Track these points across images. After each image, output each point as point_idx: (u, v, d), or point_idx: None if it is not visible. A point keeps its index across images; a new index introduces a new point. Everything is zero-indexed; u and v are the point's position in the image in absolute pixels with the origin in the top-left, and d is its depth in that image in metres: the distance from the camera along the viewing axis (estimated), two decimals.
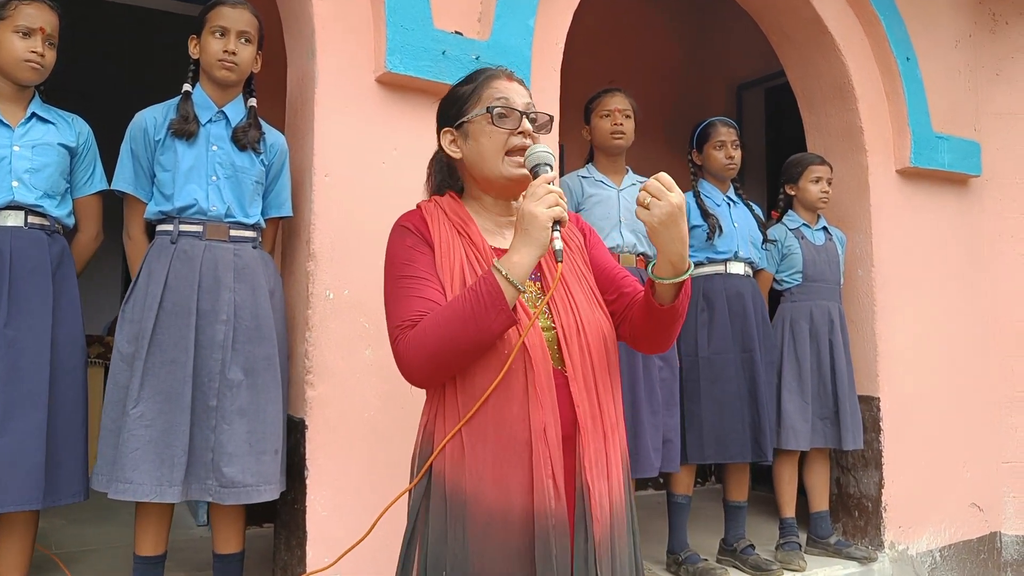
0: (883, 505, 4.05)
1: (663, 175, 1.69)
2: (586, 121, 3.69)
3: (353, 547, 2.05)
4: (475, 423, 1.69)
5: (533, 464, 1.66)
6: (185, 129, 2.71)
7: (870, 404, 4.09)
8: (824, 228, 4.08)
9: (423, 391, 2.88)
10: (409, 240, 1.79)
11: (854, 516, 4.17)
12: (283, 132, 3.02)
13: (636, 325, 1.86)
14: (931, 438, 4.27)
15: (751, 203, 3.96)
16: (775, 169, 5.16)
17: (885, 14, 4.18)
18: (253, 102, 2.87)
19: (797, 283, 3.97)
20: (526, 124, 1.83)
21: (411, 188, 2.94)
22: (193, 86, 2.81)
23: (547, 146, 1.78)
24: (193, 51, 2.81)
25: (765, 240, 3.91)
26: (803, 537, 3.97)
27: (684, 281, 1.74)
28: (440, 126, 1.94)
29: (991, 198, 4.68)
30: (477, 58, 2.99)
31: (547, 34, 3.25)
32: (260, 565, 3.26)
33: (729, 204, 3.81)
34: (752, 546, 3.74)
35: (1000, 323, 4.63)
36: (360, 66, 2.91)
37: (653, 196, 1.66)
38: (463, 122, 1.86)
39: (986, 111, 4.70)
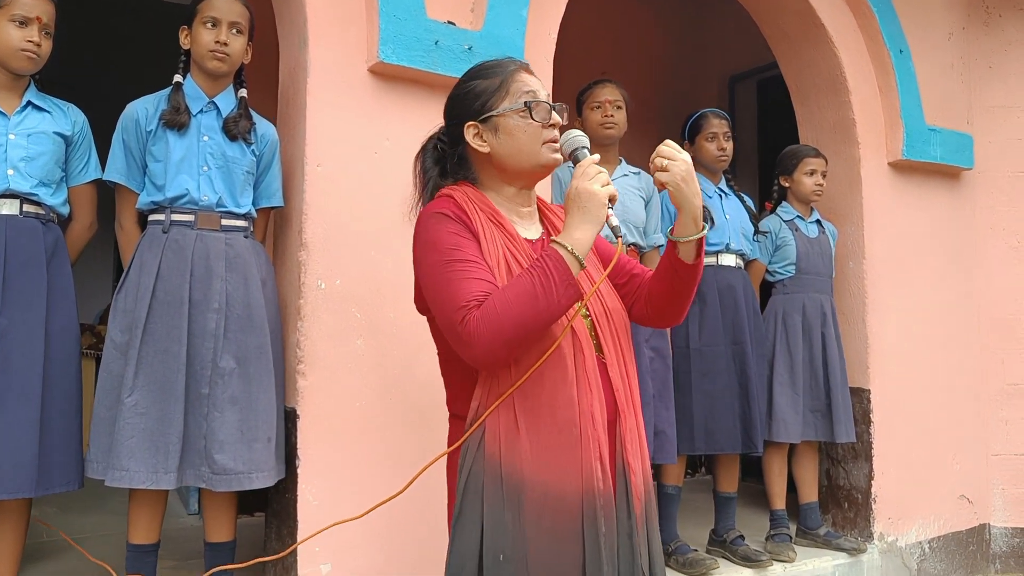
0: (873, 497, 4.07)
1: (669, 141, 1.82)
2: (578, 112, 3.70)
3: (387, 501, 2.06)
4: (530, 406, 1.74)
5: (583, 446, 1.72)
6: (176, 120, 2.71)
7: (860, 396, 4.10)
8: (817, 221, 4.09)
9: (415, 382, 2.90)
10: (451, 226, 1.79)
11: (844, 508, 4.19)
12: (275, 122, 3.02)
13: (656, 299, 1.95)
14: (921, 430, 4.29)
15: (743, 195, 3.97)
16: (767, 161, 5.17)
17: (879, 7, 4.19)
18: (244, 93, 2.87)
19: (790, 275, 3.98)
20: (556, 117, 1.88)
21: (404, 179, 2.93)
22: (184, 77, 2.81)
23: (580, 131, 1.86)
24: (184, 42, 2.80)
25: (756, 232, 3.92)
26: (793, 528, 3.99)
27: (703, 237, 1.85)
28: (458, 119, 1.93)
29: (983, 191, 4.70)
30: (470, 48, 2.99)
31: (540, 25, 3.25)
32: (251, 554, 3.26)
33: (721, 196, 3.82)
34: (742, 537, 3.76)
35: (991, 316, 4.65)
36: (352, 56, 2.91)
37: (668, 159, 1.78)
38: (490, 116, 1.87)
39: (979, 104, 4.71)
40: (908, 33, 4.29)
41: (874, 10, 4.17)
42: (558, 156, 1.87)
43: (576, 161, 1.81)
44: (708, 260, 3.73)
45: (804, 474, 4.03)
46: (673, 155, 1.79)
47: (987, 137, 4.68)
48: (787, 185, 4.08)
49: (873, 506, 4.07)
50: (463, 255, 1.75)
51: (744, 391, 3.66)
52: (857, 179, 4.19)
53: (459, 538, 1.77)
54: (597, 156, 1.80)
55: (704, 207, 3.62)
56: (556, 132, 1.87)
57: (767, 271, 4.03)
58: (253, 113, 2.86)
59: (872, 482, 4.07)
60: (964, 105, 4.65)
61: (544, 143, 1.86)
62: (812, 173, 4.00)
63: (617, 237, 1.74)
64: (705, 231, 1.85)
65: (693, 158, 3.79)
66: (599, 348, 1.82)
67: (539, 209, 2.00)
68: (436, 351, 2.99)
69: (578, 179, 1.74)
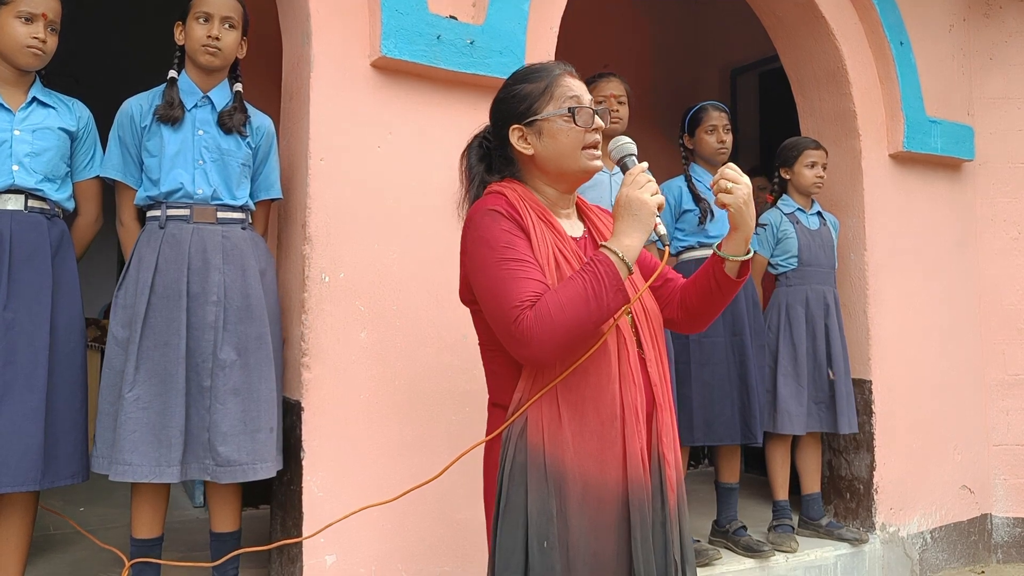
0: (874, 487, 4.09)
1: (731, 164, 1.89)
2: None
3: (420, 485, 2.10)
4: (574, 399, 1.80)
5: (626, 439, 1.79)
6: (170, 115, 2.73)
7: (862, 387, 4.12)
8: (818, 213, 4.10)
9: (418, 374, 2.92)
10: (505, 224, 1.84)
11: (846, 498, 4.21)
12: (278, 116, 3.04)
13: (691, 306, 2.02)
14: (922, 421, 4.31)
15: None
16: (768, 153, 5.17)
17: None
18: (239, 87, 2.88)
19: (792, 267, 3.99)
20: (598, 122, 1.92)
21: (406, 172, 2.97)
22: (179, 72, 2.83)
23: (629, 138, 1.91)
24: (178, 37, 2.83)
25: (756, 225, 3.92)
26: (795, 519, 4.00)
27: (748, 260, 1.93)
28: (503, 123, 1.97)
29: (983, 182, 4.70)
30: (472, 42, 3.00)
31: (541, 18, 3.26)
32: (257, 545, 3.29)
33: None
34: (744, 527, 3.78)
35: (990, 306, 4.66)
36: (355, 50, 2.92)
37: (732, 182, 1.85)
38: (534, 120, 1.92)
39: (980, 95, 4.72)
40: (908, 24, 4.29)
41: (874, 1, 4.17)
42: (598, 162, 1.92)
43: (625, 168, 1.87)
44: (708, 252, 3.74)
45: (806, 465, 4.04)
46: (737, 179, 1.85)
47: (988, 128, 4.68)
48: (787, 177, 4.08)
49: (875, 496, 4.08)
50: (516, 254, 1.80)
51: (743, 382, 3.67)
52: (858, 171, 4.20)
53: (506, 527, 1.81)
54: (646, 164, 1.85)
55: (704, 200, 3.69)
56: (598, 136, 1.92)
57: (769, 264, 4.04)
58: (249, 106, 2.87)
59: (874, 472, 4.09)
60: (965, 96, 4.65)
61: (585, 147, 1.91)
62: (812, 165, 4.00)
63: (665, 245, 1.81)
64: (752, 254, 1.93)
65: (692, 151, 3.87)
66: (639, 345, 1.88)
67: (578, 208, 2.06)
68: (444, 342, 3.03)
69: (628, 187, 1.79)
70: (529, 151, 1.93)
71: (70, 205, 2.83)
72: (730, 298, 1.99)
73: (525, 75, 1.98)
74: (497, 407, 1.93)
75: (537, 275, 1.79)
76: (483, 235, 1.84)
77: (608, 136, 3.60)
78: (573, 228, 1.98)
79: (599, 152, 1.93)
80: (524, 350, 1.75)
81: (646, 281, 2.01)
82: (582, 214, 2.05)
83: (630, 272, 1.76)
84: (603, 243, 1.78)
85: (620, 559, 1.77)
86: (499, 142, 2.00)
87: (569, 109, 1.89)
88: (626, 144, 1.89)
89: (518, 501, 1.79)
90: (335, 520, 2.45)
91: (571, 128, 1.89)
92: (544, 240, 1.85)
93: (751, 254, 1.92)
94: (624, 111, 3.63)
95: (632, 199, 1.78)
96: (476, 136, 2.09)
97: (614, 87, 3.63)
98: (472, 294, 1.90)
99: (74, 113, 2.84)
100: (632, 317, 1.89)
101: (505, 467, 1.83)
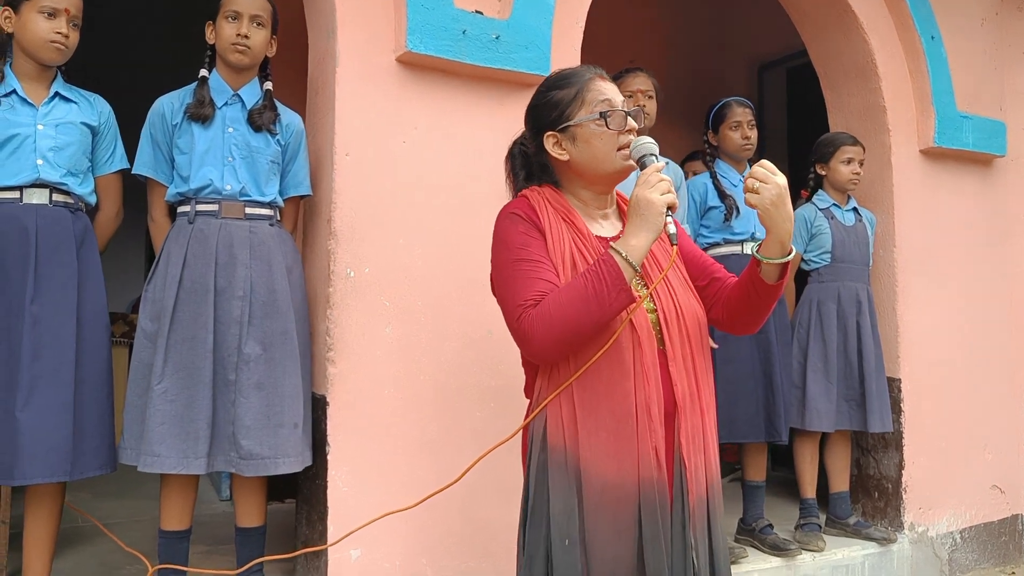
0: (903, 486, 4.04)
1: (765, 162, 1.82)
2: None
3: (442, 490, 2.13)
4: (587, 397, 1.81)
5: (639, 436, 1.78)
6: (200, 113, 2.76)
7: (891, 385, 4.06)
8: (854, 209, 4.04)
9: (443, 369, 2.92)
10: (522, 226, 1.89)
11: (874, 497, 4.17)
12: (304, 111, 3.04)
13: (733, 306, 1.99)
14: (952, 419, 4.25)
15: None
16: (796, 149, 5.14)
17: None
18: (269, 85, 2.90)
19: (826, 263, 3.94)
20: (631, 123, 1.92)
21: (431, 167, 2.97)
22: (210, 71, 2.86)
23: (650, 138, 1.88)
24: (209, 37, 2.85)
25: None
26: (823, 518, 3.97)
27: (787, 263, 1.86)
28: (538, 129, 2.00)
29: (1015, 179, 4.63)
30: (497, 37, 2.99)
31: (567, 13, 3.25)
32: (282, 539, 3.31)
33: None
34: (771, 525, 3.75)
35: (1022, 304, 4.59)
36: (380, 46, 2.93)
37: (760, 181, 1.79)
38: (568, 126, 1.93)
39: (1011, 90, 4.64)
40: (940, 18, 4.23)
41: None
42: (628, 163, 1.92)
43: (643, 167, 1.85)
44: (733, 249, 3.72)
45: (835, 463, 4.01)
46: (767, 177, 1.79)
47: (1020, 124, 4.60)
48: (823, 173, 4.03)
49: (903, 496, 4.04)
50: (529, 255, 1.85)
51: (768, 379, 3.64)
52: (888, 166, 4.15)
53: (531, 525, 1.84)
54: (663, 163, 1.84)
55: (729, 197, 3.66)
56: (631, 137, 1.92)
57: (803, 260, 4.00)
58: (278, 104, 2.90)
59: (903, 471, 4.04)
60: (997, 91, 4.58)
61: (619, 149, 1.91)
62: (849, 161, 3.95)
63: (672, 245, 1.78)
64: (791, 256, 1.86)
65: (717, 147, 3.84)
66: (662, 342, 1.86)
67: (619, 206, 2.06)
68: (469, 338, 3.03)
69: (640, 187, 1.79)
70: (564, 157, 1.95)
71: (93, 199, 2.86)
72: (771, 302, 1.93)
73: (556, 81, 2.00)
74: (528, 398, 1.99)
75: (548, 275, 1.82)
76: (502, 237, 1.91)
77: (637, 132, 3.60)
78: (607, 228, 1.99)
79: (628, 152, 1.91)
80: (526, 347, 1.82)
81: (689, 279, 2.03)
82: (623, 212, 2.05)
83: (636, 272, 1.75)
84: (612, 244, 1.78)
85: (638, 559, 1.77)
86: (536, 148, 2.03)
87: (601, 114, 1.90)
88: (646, 144, 1.87)
89: (541, 499, 1.82)
90: (356, 528, 2.48)
91: (604, 132, 1.90)
92: (561, 240, 1.88)
93: (788, 256, 1.85)
94: (652, 106, 3.60)
95: (640, 199, 1.77)
96: (515, 142, 2.12)
97: (641, 82, 3.61)
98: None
99: (95, 108, 2.86)
100: (657, 315, 1.87)
101: (531, 465, 1.87)
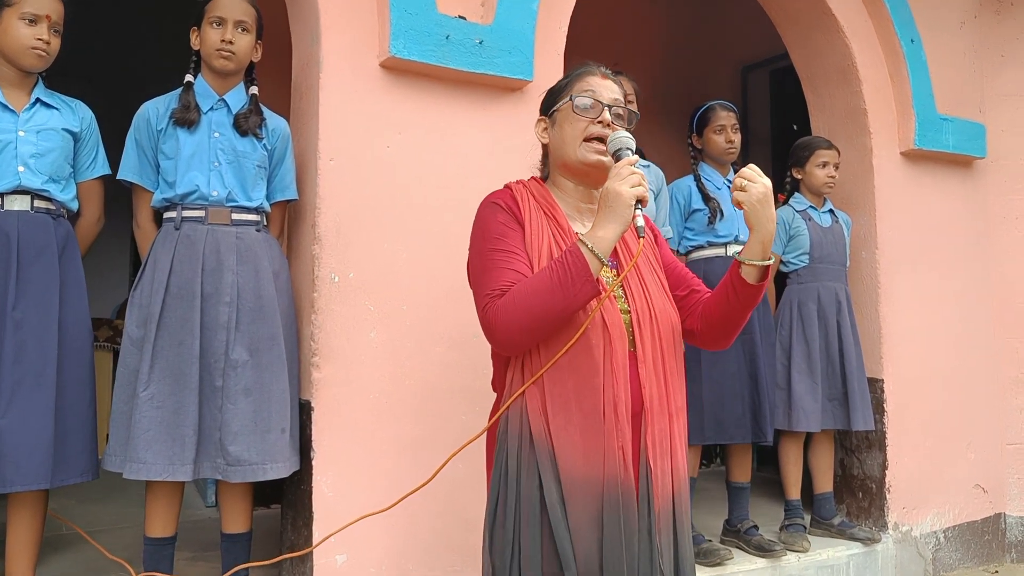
0: (887, 486, 4.07)
1: (752, 165, 1.90)
2: None
3: (415, 491, 2.13)
4: (558, 392, 1.81)
5: (606, 434, 1.78)
6: (186, 117, 2.75)
7: (874, 386, 4.10)
8: (831, 211, 4.08)
9: (428, 373, 2.92)
10: (501, 216, 1.92)
11: (858, 497, 4.19)
12: (288, 116, 3.04)
13: (710, 314, 2.00)
14: (935, 419, 4.29)
15: None
16: (780, 151, 5.16)
17: None
18: (254, 90, 2.90)
19: (804, 264, 3.98)
20: (606, 115, 1.95)
21: (415, 172, 2.98)
22: (195, 76, 2.85)
23: (628, 133, 1.91)
24: (194, 42, 2.85)
25: None
26: (807, 518, 3.99)
27: (768, 266, 1.89)
28: (541, 116, 2.09)
29: (996, 180, 4.68)
30: (480, 42, 3.00)
31: (550, 18, 3.26)
32: (267, 545, 3.30)
33: (730, 187, 3.82)
34: (756, 527, 3.77)
35: (1004, 304, 4.64)
36: (364, 51, 2.93)
37: (748, 180, 1.85)
38: (553, 111, 2.02)
39: (991, 92, 4.69)
40: (919, 21, 4.27)
41: None
42: (596, 157, 1.93)
43: (618, 160, 1.87)
44: (717, 251, 3.75)
45: (819, 464, 4.03)
46: (754, 178, 1.85)
47: (1000, 126, 4.65)
48: (799, 177, 4.07)
49: (887, 496, 4.07)
50: (504, 245, 1.87)
51: (754, 381, 3.66)
52: (869, 168, 4.19)
53: (498, 516, 1.86)
54: (635, 158, 1.85)
55: (713, 199, 3.68)
56: (601, 129, 1.94)
57: (781, 261, 4.03)
58: (264, 108, 2.89)
59: (886, 471, 4.07)
60: (976, 94, 4.62)
61: (586, 139, 1.94)
62: (824, 165, 3.99)
63: (639, 238, 1.80)
64: (771, 261, 1.89)
65: (701, 150, 3.86)
66: (633, 344, 1.87)
67: None
68: (454, 341, 3.04)
69: (610, 179, 1.80)
70: (544, 140, 2.04)
71: (74, 205, 2.85)
72: (750, 307, 1.95)
73: (565, 75, 2.08)
74: (496, 392, 2.01)
75: (519, 267, 1.84)
76: (480, 225, 1.94)
77: None
78: (588, 224, 1.99)
79: (602, 146, 1.94)
80: (491, 335, 1.83)
81: (671, 282, 2.05)
82: None
83: (603, 264, 1.76)
84: (580, 236, 1.79)
85: (601, 551, 1.77)
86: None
87: (571, 96, 1.95)
88: (622, 138, 1.89)
89: (511, 490, 1.82)
90: (334, 531, 2.51)
91: (574, 117, 1.95)
92: (540, 233, 1.89)
93: (769, 261, 1.88)
94: (632, 109, 3.61)
95: (610, 191, 1.79)
96: None
97: (622, 86, 3.62)
98: None
99: (77, 114, 2.86)
100: (631, 316, 1.88)
101: (499, 457, 1.87)
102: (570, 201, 2.02)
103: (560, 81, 2.07)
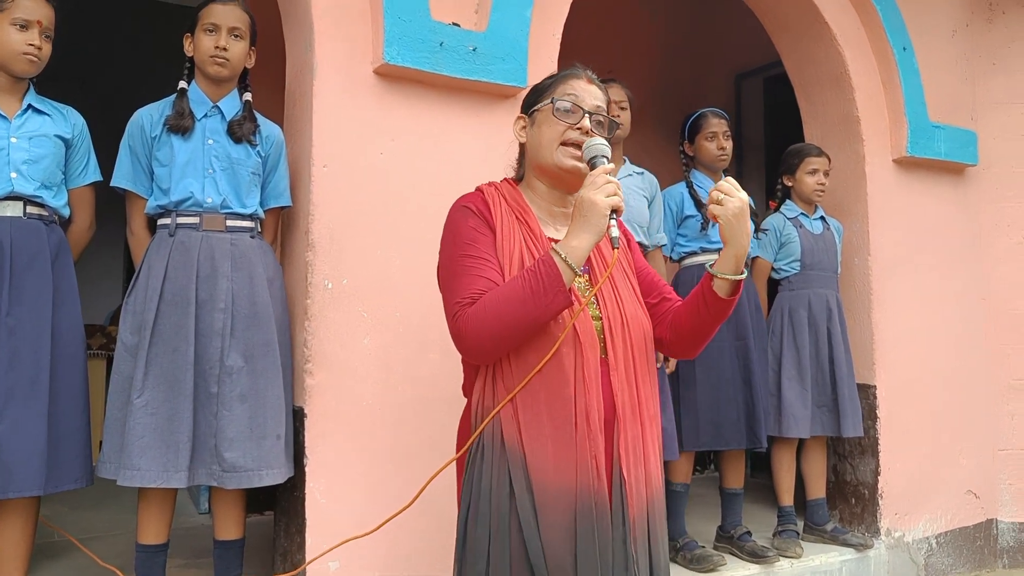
0: (879, 492, 4.08)
1: (729, 179, 1.90)
2: None
3: (395, 515, 2.13)
4: (529, 402, 1.79)
5: (578, 444, 1.76)
6: (180, 124, 2.75)
7: (867, 392, 4.11)
8: (822, 217, 4.10)
9: (422, 380, 2.92)
10: (472, 221, 1.89)
11: (851, 503, 4.20)
12: (282, 123, 3.05)
13: (680, 323, 1.98)
14: (927, 426, 4.30)
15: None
16: (774, 158, 5.17)
17: (881, 3, 4.19)
18: (248, 96, 2.90)
19: (795, 271, 3.99)
20: (585, 122, 1.93)
21: (409, 178, 2.98)
22: (189, 83, 2.85)
23: (604, 140, 1.89)
24: (188, 49, 2.85)
25: (757, 229, 3.93)
26: (801, 524, 4.00)
27: (741, 281, 1.88)
28: (521, 113, 2.07)
29: (988, 187, 4.69)
30: (474, 49, 3.01)
31: (544, 25, 3.27)
32: (261, 552, 3.30)
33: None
34: (749, 533, 3.77)
35: (996, 311, 4.65)
36: (358, 57, 2.93)
37: (725, 194, 1.83)
38: (534, 110, 2.00)
39: (983, 100, 4.71)
40: (911, 29, 4.29)
41: (877, 6, 4.17)
42: (572, 163, 1.91)
43: (593, 168, 1.85)
44: (710, 257, 3.75)
45: (812, 470, 4.04)
46: (731, 192, 1.83)
47: (991, 133, 4.67)
48: (790, 184, 4.09)
49: (880, 502, 4.07)
50: (475, 251, 1.84)
51: (748, 386, 3.67)
52: (862, 175, 4.20)
53: (470, 522, 1.83)
54: (611, 166, 1.83)
55: (705, 206, 3.68)
56: (579, 135, 1.92)
57: (772, 268, 4.04)
58: (258, 115, 2.89)
59: (879, 478, 4.08)
60: (968, 101, 4.65)
61: (563, 143, 1.92)
62: (814, 172, 4.00)
63: (613, 248, 1.77)
64: (743, 276, 1.88)
65: (693, 157, 3.88)
66: (605, 351, 1.85)
67: None
68: (448, 348, 3.01)
69: (585, 187, 1.78)
70: (522, 138, 2.03)
71: (67, 212, 2.85)
72: (720, 319, 1.93)
73: (549, 76, 2.05)
74: (466, 397, 1.99)
75: (490, 274, 1.81)
76: (451, 229, 1.92)
77: (611, 142, 3.61)
78: (561, 229, 1.97)
79: (579, 152, 1.91)
80: (460, 344, 1.82)
81: (642, 289, 2.02)
82: None
83: (576, 274, 1.74)
84: (553, 245, 1.77)
85: (575, 562, 1.74)
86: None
87: (552, 99, 1.93)
88: (598, 145, 1.87)
89: (483, 502, 1.80)
90: (312, 559, 2.54)
91: (554, 120, 1.93)
92: (511, 238, 1.87)
93: (741, 276, 1.87)
94: (625, 117, 3.63)
95: (584, 200, 1.76)
96: None
97: (615, 93, 3.63)
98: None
99: (69, 120, 2.86)
100: (603, 323, 1.87)
101: (471, 467, 1.85)
102: (543, 204, 2.00)
103: (545, 80, 2.05)
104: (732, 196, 1.83)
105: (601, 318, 1.87)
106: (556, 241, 1.90)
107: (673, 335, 2.00)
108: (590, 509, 1.74)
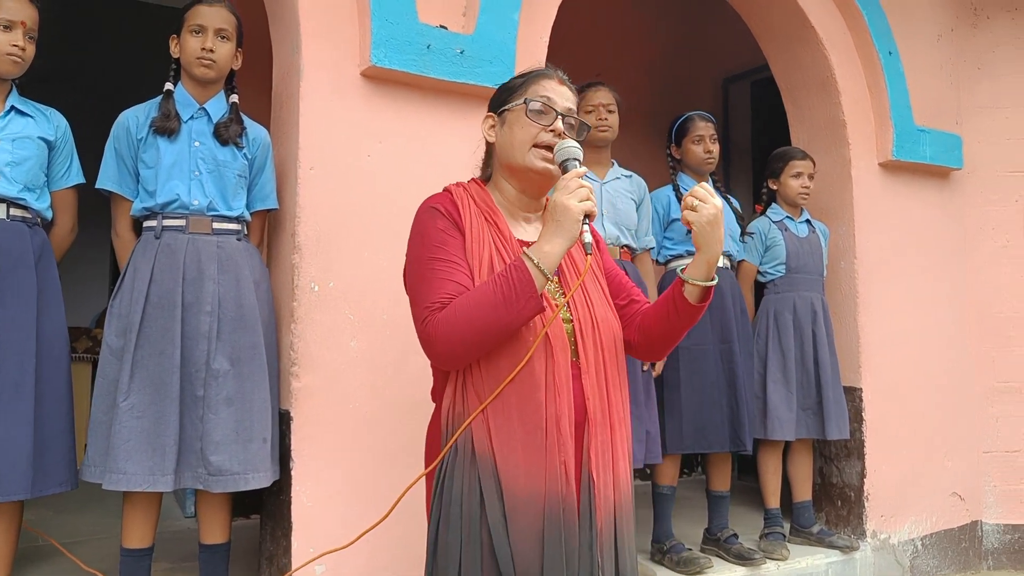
0: (865, 495, 4.09)
1: (703, 184, 1.87)
2: None
3: (371, 529, 2.10)
4: (500, 408, 1.76)
5: (548, 450, 1.74)
6: (166, 126, 2.74)
7: (852, 395, 4.13)
8: (807, 221, 4.12)
9: (408, 383, 2.91)
10: (441, 223, 1.85)
11: (837, 505, 4.22)
12: (268, 125, 3.04)
13: (649, 326, 1.97)
14: (913, 428, 4.32)
15: (729, 196, 4.00)
16: (761, 162, 5.19)
17: (867, 8, 4.21)
18: (235, 98, 2.89)
19: (781, 275, 4.01)
20: (559, 124, 1.90)
21: (396, 181, 2.97)
22: (175, 85, 2.84)
23: (576, 143, 1.86)
24: (174, 50, 2.83)
25: (743, 233, 3.95)
26: (787, 527, 4.01)
27: (711, 287, 1.87)
28: (489, 112, 2.02)
29: (972, 191, 4.72)
30: (462, 52, 3.01)
31: (532, 28, 3.27)
32: (246, 556, 3.28)
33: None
34: (736, 535, 3.78)
35: (981, 314, 4.68)
36: (345, 60, 2.93)
37: (700, 200, 1.82)
38: (504, 110, 1.95)
39: (968, 104, 4.74)
40: (897, 34, 4.32)
41: (863, 11, 4.20)
42: (543, 164, 1.88)
43: (565, 171, 1.82)
44: None
45: (798, 472, 4.05)
46: (705, 198, 1.82)
47: (976, 137, 4.70)
48: (775, 188, 4.11)
49: (866, 504, 4.09)
50: (445, 254, 1.80)
51: (732, 390, 3.68)
52: (848, 179, 4.22)
53: (440, 530, 1.80)
54: (584, 169, 1.81)
55: None
56: (552, 137, 1.89)
57: (758, 272, 4.06)
58: (245, 117, 2.88)
59: (865, 480, 4.09)
60: (953, 105, 4.67)
61: (535, 145, 1.88)
62: (798, 175, 4.02)
63: (586, 255, 1.76)
64: (714, 282, 1.87)
65: (680, 160, 3.89)
66: (576, 354, 1.83)
67: None
68: None
69: (558, 192, 1.75)
70: (492, 138, 1.98)
71: (50, 214, 2.84)
72: (688, 324, 1.92)
73: (520, 74, 2.01)
74: (436, 406, 1.96)
75: (460, 277, 1.78)
76: (420, 231, 1.88)
77: (599, 144, 3.62)
78: (532, 232, 1.95)
79: (550, 155, 1.88)
80: (430, 350, 1.78)
81: (611, 290, 2.01)
82: None
83: (548, 279, 1.72)
84: (524, 250, 1.75)
85: (542, 570, 1.72)
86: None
87: (525, 100, 1.89)
88: (569, 147, 1.85)
89: (453, 509, 1.78)
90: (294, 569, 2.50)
91: (526, 121, 1.89)
92: (481, 240, 1.84)
93: (712, 282, 1.87)
94: (613, 120, 3.63)
95: (557, 204, 1.74)
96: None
97: (603, 96, 3.64)
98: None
99: (52, 122, 2.84)
100: (572, 325, 1.85)
101: (441, 473, 1.82)
102: (510, 205, 1.97)
103: (515, 79, 2.00)
104: (706, 202, 1.81)
105: (572, 321, 1.85)
106: (525, 243, 1.88)
107: (641, 338, 1.99)
108: (558, 515, 1.73)
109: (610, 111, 3.64)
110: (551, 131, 1.89)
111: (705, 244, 1.83)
